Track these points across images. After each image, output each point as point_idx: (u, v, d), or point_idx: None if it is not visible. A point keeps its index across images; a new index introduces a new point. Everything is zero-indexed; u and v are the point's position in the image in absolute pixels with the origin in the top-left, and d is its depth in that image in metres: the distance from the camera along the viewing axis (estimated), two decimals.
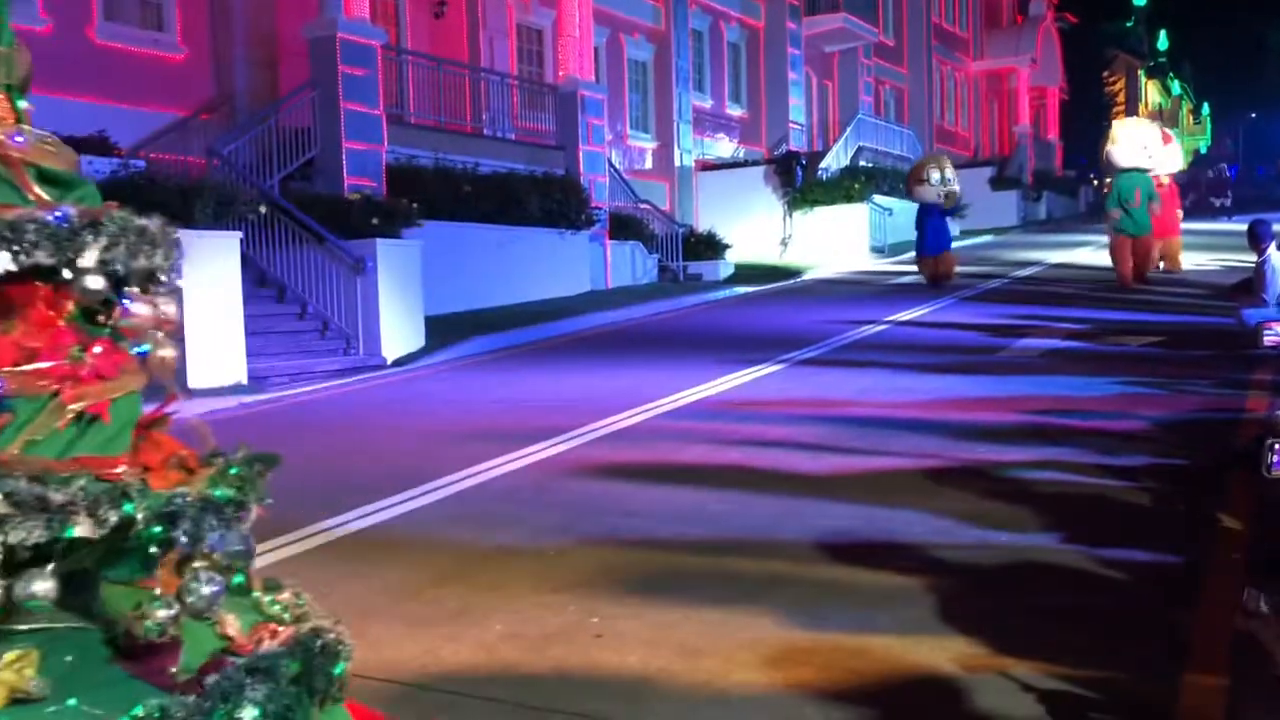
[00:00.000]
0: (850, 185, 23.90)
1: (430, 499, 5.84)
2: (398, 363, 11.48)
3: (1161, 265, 17.51)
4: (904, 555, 4.62)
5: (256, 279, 11.68)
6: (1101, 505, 5.30)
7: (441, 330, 12.58)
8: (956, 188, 17.72)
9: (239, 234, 10.49)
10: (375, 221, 12.13)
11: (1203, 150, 75.91)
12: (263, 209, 11.61)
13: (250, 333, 10.42)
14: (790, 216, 23.39)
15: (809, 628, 3.80)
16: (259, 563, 4.76)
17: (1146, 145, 16.29)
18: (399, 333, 11.82)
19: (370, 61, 13.99)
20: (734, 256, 21.10)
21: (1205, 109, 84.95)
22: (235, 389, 9.81)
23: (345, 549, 4.99)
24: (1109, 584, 4.22)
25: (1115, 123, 17.61)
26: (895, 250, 23.69)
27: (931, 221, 17.35)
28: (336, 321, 11.64)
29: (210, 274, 9.92)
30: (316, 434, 8.05)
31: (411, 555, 4.84)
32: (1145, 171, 16.06)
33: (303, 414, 9.03)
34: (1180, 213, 18.91)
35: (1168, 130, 19.31)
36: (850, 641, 3.68)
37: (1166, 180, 17.52)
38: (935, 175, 17.42)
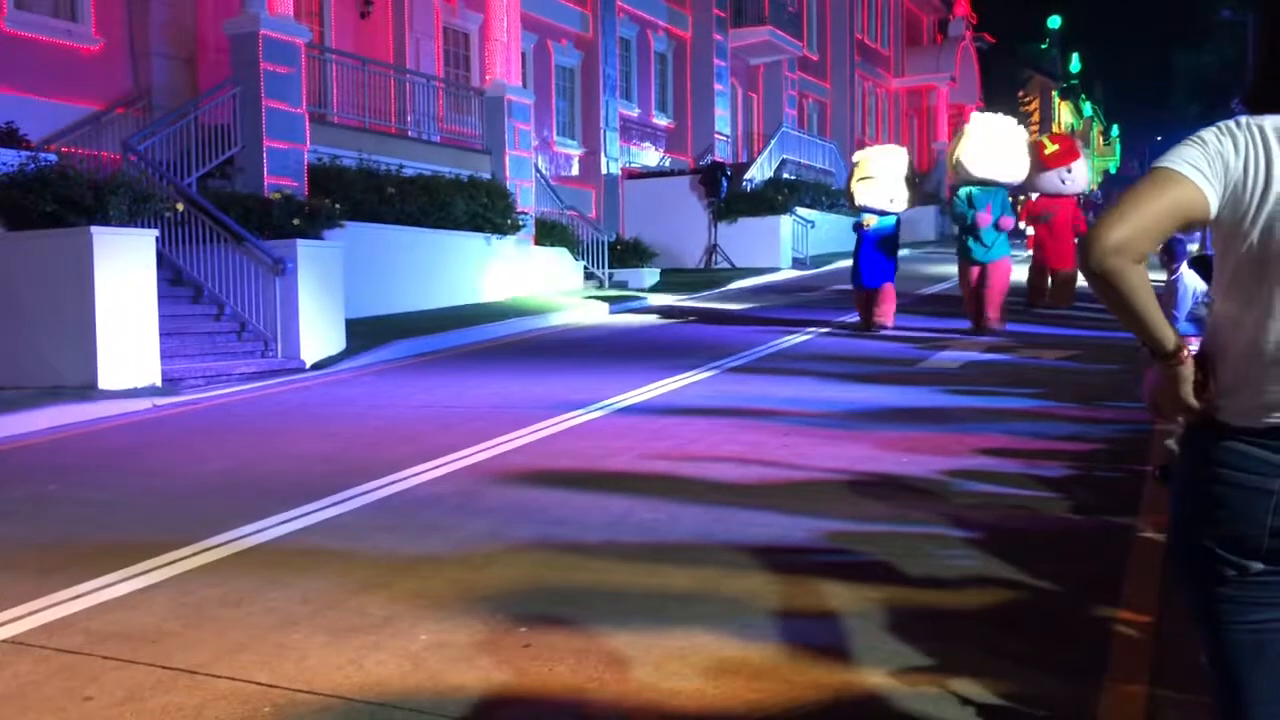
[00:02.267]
0: (774, 197, 24.18)
1: (352, 505, 5.70)
2: (317, 366, 11.25)
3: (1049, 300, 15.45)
4: (833, 565, 4.62)
5: (172, 278, 11.37)
6: (1026, 515, 5.38)
7: (363, 334, 12.37)
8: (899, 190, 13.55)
9: (155, 232, 10.19)
10: (296, 222, 11.90)
11: (1112, 171, 78.27)
12: (180, 207, 11.31)
13: (165, 333, 10.13)
14: (715, 226, 23.53)
15: (741, 637, 3.78)
16: (170, 572, 4.63)
17: (1002, 150, 12.92)
18: (319, 335, 11.59)
19: (294, 59, 13.74)
20: (660, 265, 21.16)
21: (1115, 130, 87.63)
22: (148, 391, 9.51)
23: (263, 557, 4.85)
24: (1037, 593, 4.27)
25: (973, 119, 13.49)
26: (817, 262, 24.00)
27: (866, 238, 13.50)
28: (254, 323, 11.37)
29: (123, 272, 9.61)
30: (233, 438, 7.84)
31: (333, 563, 4.71)
32: (999, 185, 13.00)
33: (219, 417, 8.79)
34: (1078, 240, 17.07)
35: (1066, 136, 17.68)
36: (783, 651, 3.66)
37: (1081, 195, 16.17)
38: (887, 172, 13.50)
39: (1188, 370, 1.78)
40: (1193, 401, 1.78)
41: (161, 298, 10.20)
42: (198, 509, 5.68)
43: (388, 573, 4.57)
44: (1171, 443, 3.98)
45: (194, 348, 10.85)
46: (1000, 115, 13.90)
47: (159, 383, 9.78)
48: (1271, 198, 1.68)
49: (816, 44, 35.04)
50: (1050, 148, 15.35)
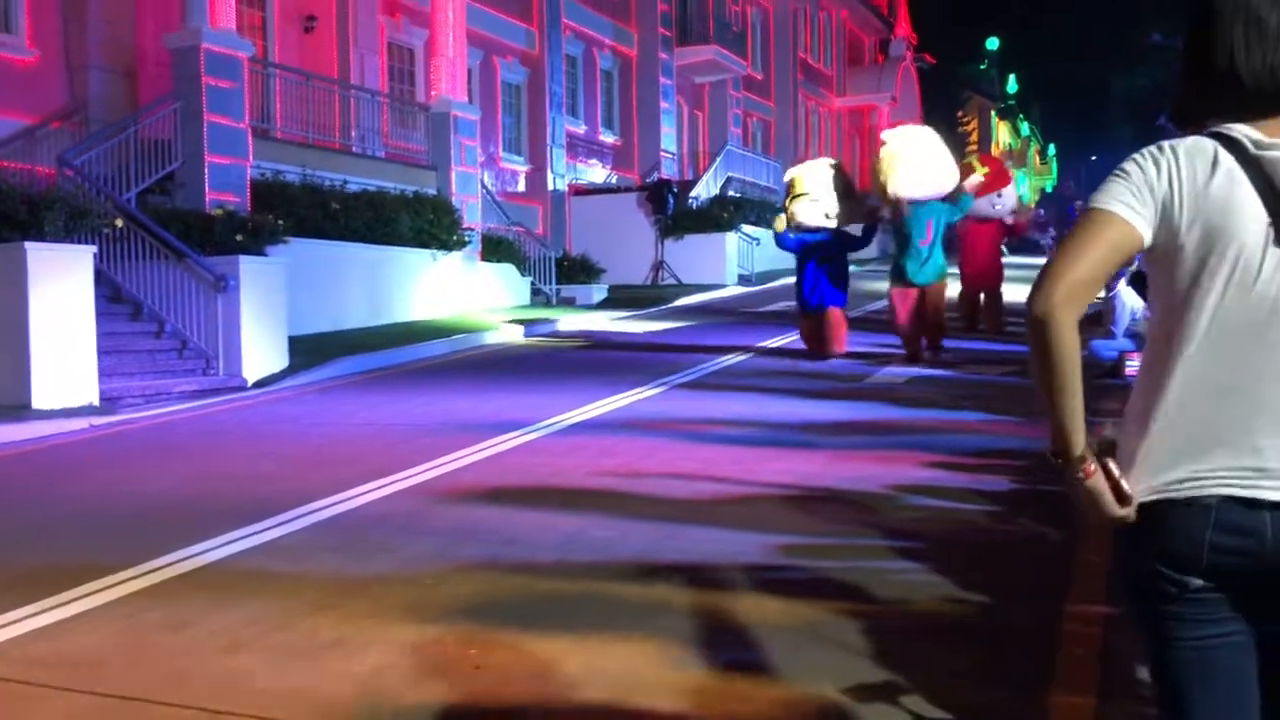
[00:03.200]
0: (720, 214, 24.33)
1: (298, 526, 5.62)
2: (260, 384, 11.09)
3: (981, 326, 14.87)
4: (784, 580, 4.64)
5: (110, 295, 11.14)
6: (972, 529, 5.44)
7: (307, 351, 12.22)
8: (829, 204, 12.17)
9: (92, 248, 9.99)
10: (239, 238, 11.75)
11: (1049, 190, 79.86)
12: (119, 223, 11.10)
13: (102, 351, 9.92)
14: (662, 243, 23.61)
15: (692, 656, 3.78)
16: (110, 596, 4.52)
17: (929, 166, 11.96)
18: (261, 353, 11.42)
19: (236, 74, 13.58)
20: (607, 281, 21.17)
21: (1051, 150, 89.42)
22: (85, 410, 9.31)
23: (208, 579, 4.75)
24: (984, 606, 4.31)
25: (888, 138, 12.53)
26: (762, 278, 24.16)
27: (814, 258, 12.21)
28: (196, 340, 11.18)
29: (60, 290, 9.42)
30: (173, 458, 7.70)
31: (280, 585, 4.63)
32: (933, 201, 11.99)
33: (158, 437, 8.62)
34: (1003, 259, 15.56)
35: (995, 159, 16.97)
36: (734, 670, 3.66)
37: (1020, 212, 15.81)
38: (817, 187, 12.22)
39: (1098, 483, 1.74)
40: (1119, 511, 1.74)
41: (99, 315, 10.00)
42: (137, 531, 5.56)
43: (336, 594, 4.50)
44: (1091, 443, 4.05)
45: (133, 366, 10.64)
46: (911, 127, 13.24)
47: (96, 402, 9.57)
48: (1196, 215, 1.71)
49: (761, 63, 35.37)
50: (980, 171, 14.63)
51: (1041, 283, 1.72)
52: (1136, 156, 1.76)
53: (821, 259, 12.06)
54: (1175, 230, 1.72)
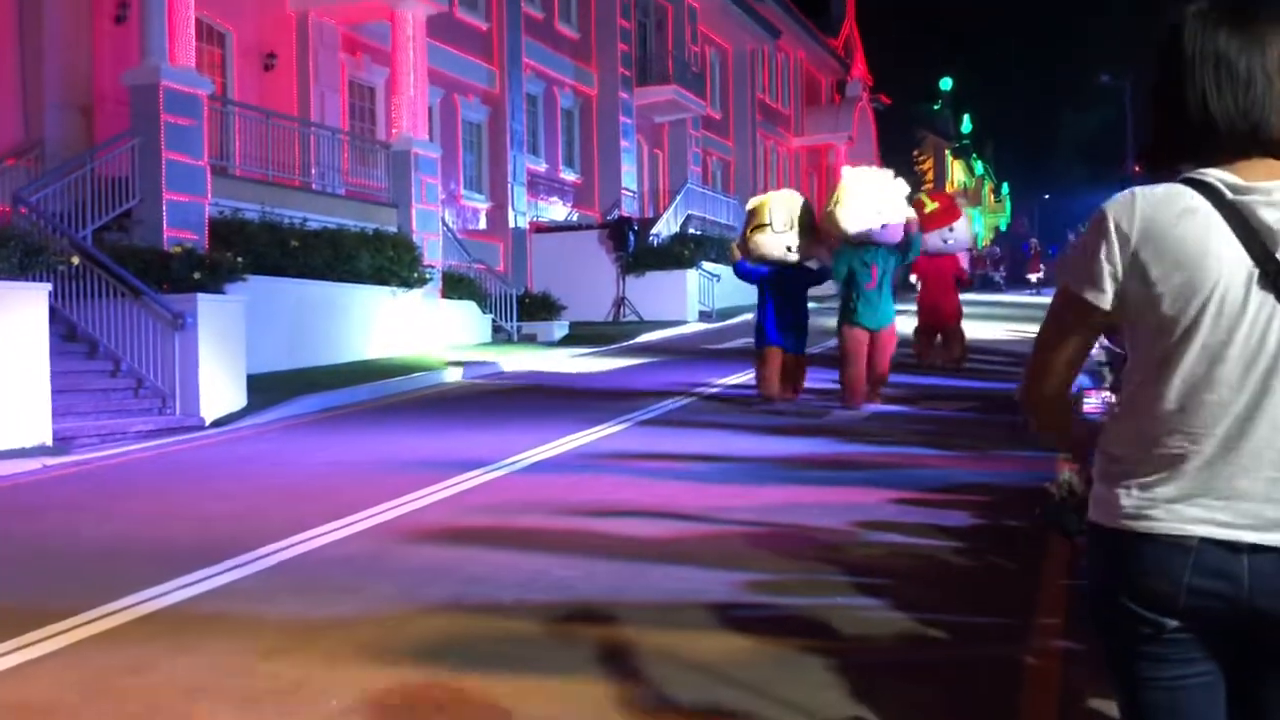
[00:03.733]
0: (680, 251, 24.49)
1: (258, 568, 5.55)
2: (218, 423, 10.97)
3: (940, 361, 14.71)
4: (749, 619, 4.64)
5: (65, 334, 11.01)
6: (933, 564, 5.48)
7: (266, 389, 12.11)
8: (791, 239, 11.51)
9: (47, 286, 9.88)
10: (197, 275, 11.65)
11: (1003, 228, 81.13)
12: (75, 260, 10.98)
13: (56, 391, 9.78)
14: (624, 280, 23.69)
15: (660, 694, 3.77)
16: (65, 640, 4.44)
17: (879, 205, 11.23)
18: (220, 391, 11.31)
19: (195, 111, 13.53)
20: (569, 317, 21.19)
21: (1005, 188, 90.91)
22: (38, 451, 9.16)
23: (165, 623, 4.68)
24: (947, 642, 4.34)
25: (846, 173, 11.95)
26: (722, 315, 24.31)
27: (774, 293, 11.52)
28: (153, 379, 11.05)
29: (13, 328, 9.30)
30: (128, 499, 7.58)
31: (240, 628, 4.57)
32: (882, 246, 11.27)
33: (114, 477, 8.49)
34: (959, 296, 15.18)
35: (945, 194, 16.76)
36: (698, 710, 3.66)
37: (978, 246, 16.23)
38: (781, 219, 11.53)
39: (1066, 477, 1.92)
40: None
41: (54, 354, 9.86)
42: (93, 573, 5.47)
43: (298, 637, 4.45)
44: (1050, 485, 4.11)
45: (88, 405, 10.49)
46: (872, 168, 12.74)
47: (50, 442, 9.42)
48: (1170, 264, 1.71)
49: (720, 103, 35.76)
50: (930, 206, 14.64)
51: (1030, 379, 1.89)
52: (1103, 216, 1.75)
53: (782, 295, 11.49)
54: (1150, 282, 1.72)
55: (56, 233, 11.52)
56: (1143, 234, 1.72)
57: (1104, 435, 1.86)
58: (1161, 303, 1.73)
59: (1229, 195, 1.70)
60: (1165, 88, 1.79)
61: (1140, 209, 1.73)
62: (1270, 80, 1.72)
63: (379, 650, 4.26)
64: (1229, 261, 1.69)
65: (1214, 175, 1.72)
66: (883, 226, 11.19)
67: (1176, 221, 1.71)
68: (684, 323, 23.14)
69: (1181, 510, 1.72)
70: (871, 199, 11.26)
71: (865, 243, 11.20)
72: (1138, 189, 1.77)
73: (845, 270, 11.26)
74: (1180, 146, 1.79)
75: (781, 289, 11.53)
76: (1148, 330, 1.77)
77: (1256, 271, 1.68)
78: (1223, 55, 1.74)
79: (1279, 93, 1.73)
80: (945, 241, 14.72)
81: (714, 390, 13.13)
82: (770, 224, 11.47)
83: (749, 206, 12.22)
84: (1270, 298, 1.68)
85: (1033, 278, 44.37)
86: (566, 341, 19.63)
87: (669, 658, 4.15)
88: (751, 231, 11.67)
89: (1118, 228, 1.74)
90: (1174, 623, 1.74)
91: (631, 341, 19.84)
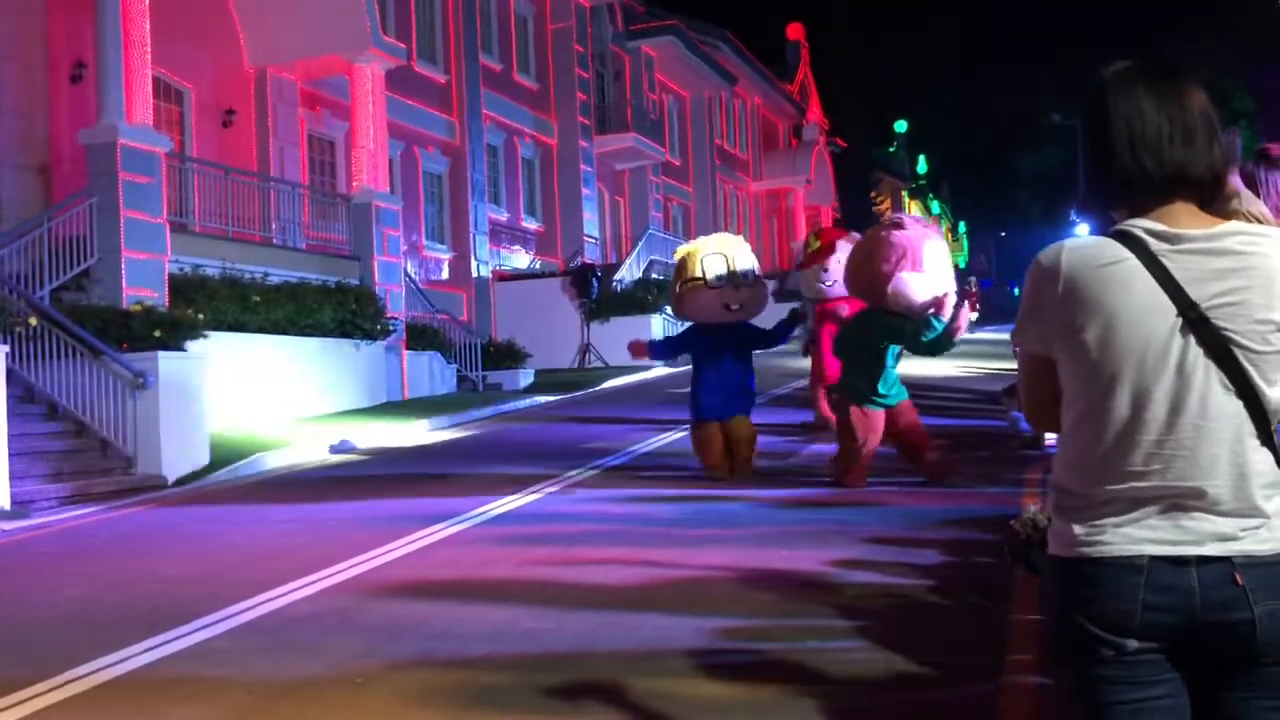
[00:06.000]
0: (644, 297, 24.60)
1: (223, 628, 5.46)
2: (181, 482, 10.83)
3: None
4: (722, 665, 4.62)
5: (23, 395, 10.85)
6: (908, 605, 5.48)
7: (229, 446, 11.98)
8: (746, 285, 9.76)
9: (4, 348, 9.76)
10: (157, 333, 11.55)
11: (962, 265, 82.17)
12: (33, 321, 10.87)
13: (14, 453, 9.63)
14: (588, 326, 23.71)
15: None
16: (26, 710, 4.33)
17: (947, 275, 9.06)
18: (182, 450, 11.18)
19: (153, 169, 13.47)
20: (534, 365, 21.16)
21: (962, 227, 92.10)
22: None
23: (129, 689, 4.58)
24: (921, 679, 4.34)
25: (922, 233, 9.04)
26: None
27: (724, 355, 9.76)
28: (114, 439, 10.91)
29: None
30: (90, 562, 7.44)
31: (205, 692, 4.48)
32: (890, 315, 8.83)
33: (74, 540, 8.34)
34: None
35: (834, 229, 14.22)
36: None
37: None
38: (716, 267, 9.65)
39: None
40: None
41: (11, 416, 9.72)
42: (54, 640, 5.36)
43: (266, 697, 4.37)
44: (1015, 523, 4.15)
45: (46, 467, 10.32)
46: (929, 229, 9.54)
47: (7, 506, 9.26)
48: (1096, 314, 1.82)
49: (679, 149, 36.13)
50: (813, 245, 12.06)
51: (1032, 421, 2.16)
52: (1034, 269, 1.90)
53: (723, 357, 9.69)
54: (1076, 329, 1.84)
55: (13, 294, 11.40)
56: (1068, 284, 1.84)
57: (1054, 467, 1.96)
58: (1089, 350, 1.84)
59: (1152, 245, 1.82)
60: (1093, 142, 1.93)
61: (1066, 260, 1.85)
62: (1190, 132, 1.85)
63: (349, 710, 4.20)
64: (1153, 309, 1.81)
65: (1140, 226, 1.85)
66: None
67: (1100, 272, 1.83)
68: (650, 368, 23.14)
69: (1130, 532, 1.81)
70: (948, 268, 9.17)
71: (910, 315, 8.75)
72: (1067, 241, 1.90)
73: (882, 341, 8.90)
74: (1109, 195, 1.93)
75: (722, 350, 9.68)
76: (1079, 376, 1.87)
77: (1179, 320, 1.80)
78: (1141, 111, 1.87)
79: (1200, 144, 1.85)
80: (821, 282, 11.60)
81: (681, 434, 13.12)
82: (721, 251, 9.73)
83: (676, 257, 10.31)
84: (1192, 341, 1.79)
85: (972, 316, 44.66)
86: (533, 389, 19.59)
87: (644, 707, 4.12)
88: (682, 288, 9.79)
89: (1047, 279, 1.87)
90: (1133, 643, 1.79)
91: (598, 388, 19.83)
